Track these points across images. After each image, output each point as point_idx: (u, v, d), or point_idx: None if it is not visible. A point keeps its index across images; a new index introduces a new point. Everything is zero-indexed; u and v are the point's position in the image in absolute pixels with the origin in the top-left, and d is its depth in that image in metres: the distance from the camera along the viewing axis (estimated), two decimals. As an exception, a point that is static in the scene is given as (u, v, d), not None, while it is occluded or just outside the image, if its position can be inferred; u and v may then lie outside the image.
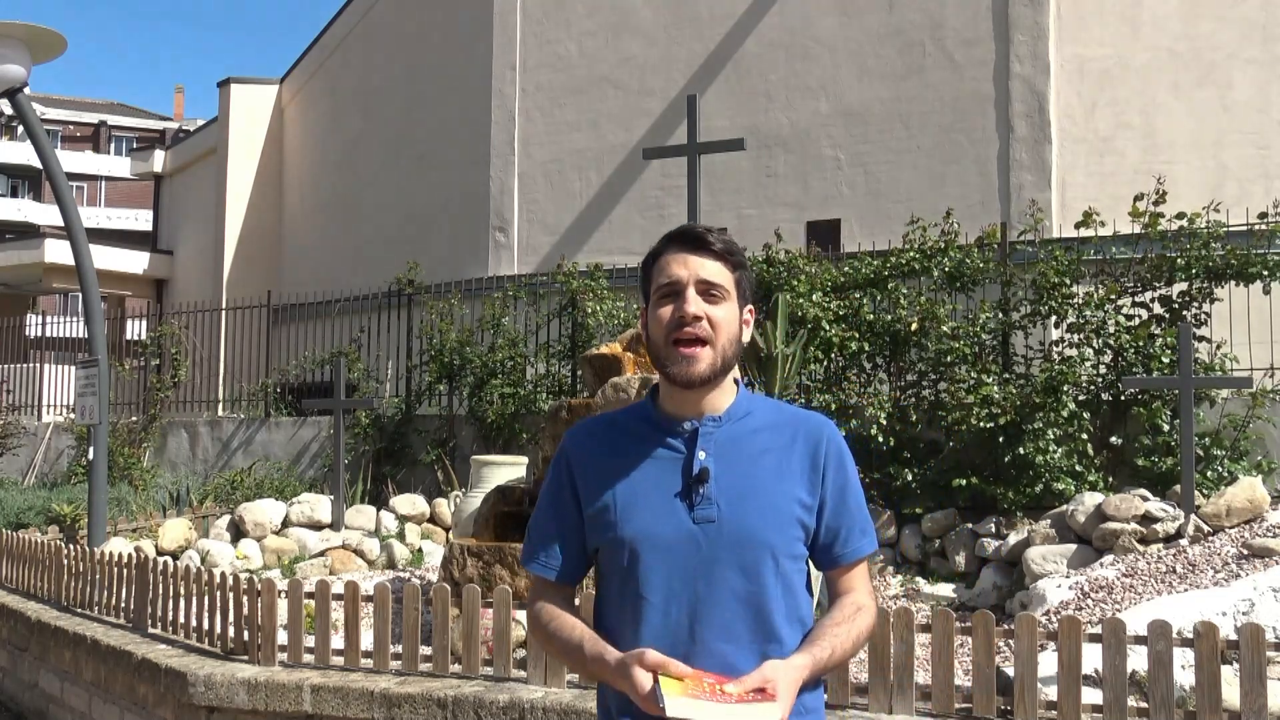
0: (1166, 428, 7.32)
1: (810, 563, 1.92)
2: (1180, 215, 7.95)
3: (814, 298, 8.37)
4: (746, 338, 1.90)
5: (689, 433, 1.85)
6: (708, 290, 1.82)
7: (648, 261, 1.89)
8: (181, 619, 5.61)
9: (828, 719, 2.08)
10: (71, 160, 44.21)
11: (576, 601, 1.97)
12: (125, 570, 6.14)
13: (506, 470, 7.73)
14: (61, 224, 9.27)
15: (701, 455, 1.82)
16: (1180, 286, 7.87)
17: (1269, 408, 7.46)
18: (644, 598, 1.79)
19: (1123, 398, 7.65)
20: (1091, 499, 6.66)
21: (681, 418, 1.86)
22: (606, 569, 1.87)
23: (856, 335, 8.31)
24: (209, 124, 19.67)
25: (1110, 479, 7.42)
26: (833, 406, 8.03)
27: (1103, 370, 7.85)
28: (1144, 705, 3.89)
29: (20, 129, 42.68)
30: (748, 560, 1.78)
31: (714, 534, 1.78)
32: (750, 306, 1.91)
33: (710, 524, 1.78)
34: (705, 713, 1.58)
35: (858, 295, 8.53)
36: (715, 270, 1.83)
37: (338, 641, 5.07)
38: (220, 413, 13.76)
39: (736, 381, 1.92)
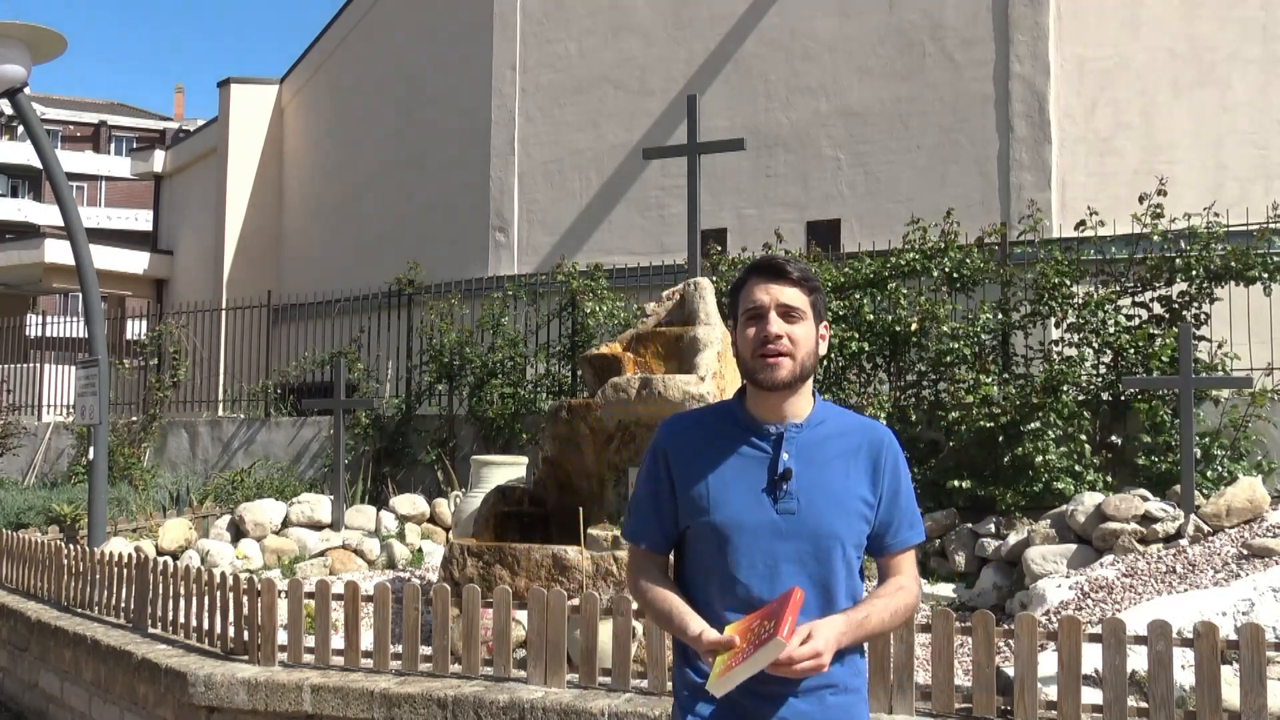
0: (1166, 427, 7.32)
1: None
2: (1181, 216, 7.94)
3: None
4: (823, 350, 2.22)
5: (774, 436, 2.15)
6: (788, 313, 2.12)
7: (735, 288, 2.21)
8: (181, 619, 5.61)
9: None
10: (71, 160, 44.21)
11: (669, 568, 2.28)
12: (125, 570, 6.14)
13: (506, 470, 7.73)
14: (61, 224, 9.28)
15: (785, 457, 2.12)
16: (1180, 287, 7.86)
17: (1269, 408, 7.46)
18: (732, 575, 2.10)
19: (1123, 397, 7.65)
20: (1091, 499, 6.66)
21: (766, 421, 2.16)
22: (697, 546, 2.18)
23: (856, 335, 8.31)
24: (209, 124, 19.67)
25: (1110, 479, 7.42)
26: (832, 406, 8.02)
27: (1103, 370, 7.85)
28: (1144, 705, 3.89)
29: (20, 129, 42.70)
30: (821, 547, 2.10)
31: (794, 524, 2.10)
32: (825, 322, 2.21)
33: (791, 515, 2.10)
34: (736, 678, 1.94)
35: (858, 295, 8.53)
36: (793, 295, 2.13)
37: (338, 641, 5.06)
38: (220, 413, 13.75)
39: (814, 393, 2.21)
